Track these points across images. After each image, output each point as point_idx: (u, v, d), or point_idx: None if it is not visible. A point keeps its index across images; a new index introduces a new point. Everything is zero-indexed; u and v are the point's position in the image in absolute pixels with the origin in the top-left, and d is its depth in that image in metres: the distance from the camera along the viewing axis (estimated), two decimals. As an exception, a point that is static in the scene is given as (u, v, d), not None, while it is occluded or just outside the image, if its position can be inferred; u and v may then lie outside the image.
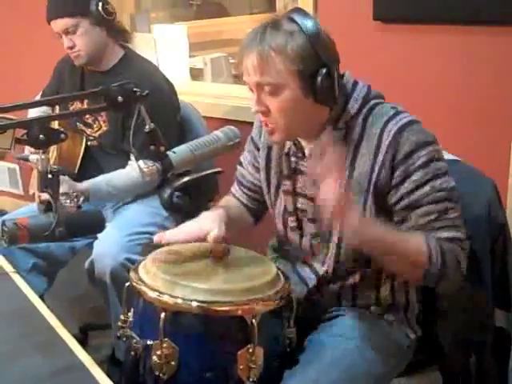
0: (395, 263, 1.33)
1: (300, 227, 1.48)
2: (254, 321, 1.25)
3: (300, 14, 1.31)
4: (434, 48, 2.06)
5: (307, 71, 1.29)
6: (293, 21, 1.29)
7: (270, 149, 1.52)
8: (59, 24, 2.08)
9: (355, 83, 1.40)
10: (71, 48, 2.11)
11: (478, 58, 1.99)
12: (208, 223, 1.39)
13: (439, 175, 1.32)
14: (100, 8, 2.07)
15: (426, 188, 1.32)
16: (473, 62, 2.00)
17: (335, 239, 1.41)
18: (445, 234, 1.31)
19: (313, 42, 1.28)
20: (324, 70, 1.29)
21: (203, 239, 1.37)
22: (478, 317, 1.49)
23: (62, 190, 1.32)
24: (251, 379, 1.27)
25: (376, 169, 1.34)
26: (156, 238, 1.40)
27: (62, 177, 1.22)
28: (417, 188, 1.32)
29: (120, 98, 1.23)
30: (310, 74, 1.29)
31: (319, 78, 1.29)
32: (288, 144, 1.47)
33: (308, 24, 1.29)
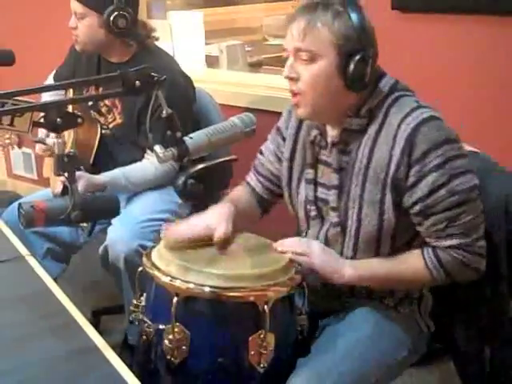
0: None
1: (320, 216, 1.48)
2: (266, 307, 1.25)
3: (351, 2, 1.35)
4: (452, 37, 2.04)
5: (347, 50, 1.33)
6: (343, 5, 1.34)
7: (295, 140, 1.53)
8: (73, 4, 2.09)
9: (383, 74, 1.42)
10: (73, 29, 2.11)
11: (498, 48, 1.96)
12: (215, 220, 1.39)
13: (456, 175, 1.32)
14: (111, 18, 2.04)
15: (441, 192, 1.31)
16: (492, 51, 1.98)
17: (352, 231, 1.41)
18: (449, 243, 1.34)
19: (358, 27, 1.33)
20: (361, 54, 1.33)
21: (210, 236, 1.38)
22: (493, 309, 1.48)
23: (79, 186, 1.33)
24: (262, 365, 1.27)
25: (394, 163, 1.34)
26: (163, 234, 1.40)
27: (78, 172, 1.22)
28: (431, 192, 1.32)
29: (137, 83, 1.23)
30: (348, 53, 1.33)
31: (355, 60, 1.32)
32: (314, 132, 1.47)
33: (356, 11, 1.34)
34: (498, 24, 1.94)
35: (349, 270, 1.38)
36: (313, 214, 1.49)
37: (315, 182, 1.48)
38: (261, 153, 1.64)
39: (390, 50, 2.14)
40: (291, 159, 1.54)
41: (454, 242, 1.34)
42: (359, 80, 1.34)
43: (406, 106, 1.37)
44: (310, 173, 1.49)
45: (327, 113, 1.41)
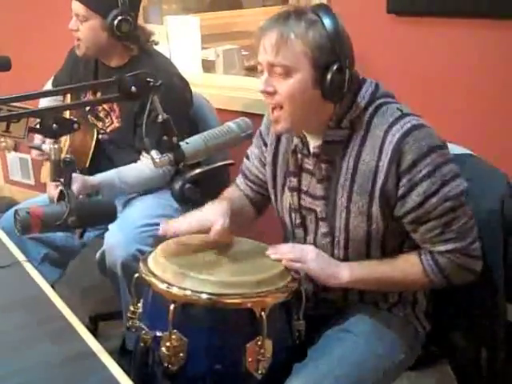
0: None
1: (304, 224, 1.48)
2: (263, 313, 1.25)
3: (325, 10, 1.33)
4: (447, 41, 2.04)
5: (322, 61, 1.30)
6: (316, 14, 1.32)
7: (277, 145, 1.53)
8: (75, 6, 2.08)
9: (363, 80, 1.40)
10: (73, 31, 2.10)
11: (493, 52, 1.97)
12: (212, 215, 1.40)
13: (446, 182, 1.31)
14: (115, 22, 2.03)
15: (433, 200, 1.31)
16: (487, 55, 1.98)
17: (340, 241, 1.41)
18: (445, 247, 1.35)
19: (332, 36, 1.30)
20: (337, 65, 1.30)
21: (207, 230, 1.38)
22: (489, 312, 1.48)
23: (74, 188, 1.32)
24: (260, 371, 1.27)
25: (381, 174, 1.33)
26: (161, 232, 1.40)
27: (73, 174, 1.22)
28: (424, 201, 1.32)
29: (134, 88, 1.23)
30: (323, 64, 1.30)
31: (331, 72, 1.30)
32: (295, 141, 1.47)
33: (330, 19, 1.31)
34: (495, 27, 1.94)
35: (345, 274, 1.37)
36: (297, 221, 1.49)
37: (299, 190, 1.48)
38: (247, 157, 1.64)
39: (385, 53, 2.16)
40: (274, 165, 1.54)
41: (450, 246, 1.34)
42: (337, 90, 1.32)
43: (389, 115, 1.35)
44: (293, 181, 1.48)
45: (306, 124, 1.40)
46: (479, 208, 1.40)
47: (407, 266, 1.38)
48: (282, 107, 1.35)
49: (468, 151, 1.59)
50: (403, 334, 1.47)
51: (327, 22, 1.30)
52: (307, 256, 1.38)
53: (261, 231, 1.63)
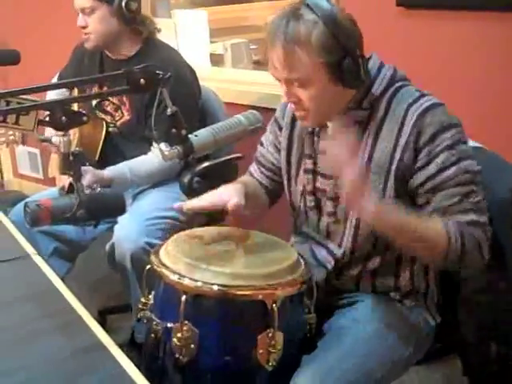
0: (414, 248, 1.34)
1: (318, 207, 1.49)
2: (274, 305, 1.25)
3: (319, 5, 1.30)
4: (457, 34, 2.04)
5: (333, 61, 1.31)
6: (312, 10, 1.30)
7: (292, 129, 1.54)
8: (78, 1, 2.08)
9: (381, 65, 1.42)
10: (83, 28, 2.11)
11: (503, 45, 1.96)
12: (228, 193, 1.39)
13: (464, 158, 1.33)
14: (123, 3, 2.05)
15: (452, 170, 1.32)
16: (497, 48, 1.97)
17: (352, 220, 1.41)
18: (466, 218, 1.31)
19: (335, 31, 1.29)
20: (348, 57, 1.31)
21: (223, 207, 1.36)
22: (500, 304, 1.48)
23: (85, 181, 1.31)
24: (270, 363, 1.27)
25: (398, 151, 1.34)
26: (177, 205, 1.39)
27: (85, 167, 1.22)
28: (442, 170, 1.32)
29: (142, 81, 1.23)
30: (335, 62, 1.31)
31: (345, 66, 1.31)
32: None
33: (327, 12, 1.29)
34: (505, 20, 1.93)
35: (371, 207, 1.24)
36: (310, 204, 1.49)
37: (314, 172, 1.48)
38: (261, 144, 1.64)
39: (394, 45, 2.15)
40: (289, 148, 1.54)
41: (471, 217, 1.31)
42: (356, 79, 1.33)
43: (408, 96, 1.37)
44: (307, 163, 1.49)
45: (331, 114, 1.42)
46: (490, 199, 1.39)
47: (431, 222, 1.31)
48: (308, 109, 1.37)
49: (478, 145, 1.59)
50: (413, 325, 1.47)
51: (326, 17, 1.29)
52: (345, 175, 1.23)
53: (270, 224, 1.62)
